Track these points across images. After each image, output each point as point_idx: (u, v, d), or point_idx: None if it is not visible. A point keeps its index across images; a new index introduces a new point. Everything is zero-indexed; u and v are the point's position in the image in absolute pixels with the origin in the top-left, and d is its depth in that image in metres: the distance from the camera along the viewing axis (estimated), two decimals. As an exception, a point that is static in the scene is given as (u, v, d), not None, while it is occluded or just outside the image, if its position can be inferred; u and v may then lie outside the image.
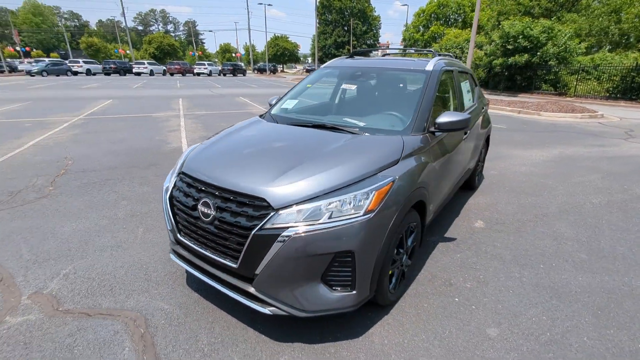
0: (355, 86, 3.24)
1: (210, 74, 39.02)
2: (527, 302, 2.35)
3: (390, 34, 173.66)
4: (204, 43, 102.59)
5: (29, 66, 32.83)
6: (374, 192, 1.84)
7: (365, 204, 1.80)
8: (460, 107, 3.33)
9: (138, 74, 35.89)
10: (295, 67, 79.80)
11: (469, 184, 4.30)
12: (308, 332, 2.05)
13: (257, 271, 1.76)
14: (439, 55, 3.25)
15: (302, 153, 2.14)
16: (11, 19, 76.75)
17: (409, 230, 2.30)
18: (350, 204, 1.79)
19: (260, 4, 42.58)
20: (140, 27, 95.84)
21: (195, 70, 38.68)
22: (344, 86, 3.30)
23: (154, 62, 40.63)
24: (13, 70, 37.83)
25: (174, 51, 56.95)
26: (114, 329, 2.06)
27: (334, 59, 3.66)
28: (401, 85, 3.13)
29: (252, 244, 1.74)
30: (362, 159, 2.04)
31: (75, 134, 7.43)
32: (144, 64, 36.49)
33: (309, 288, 1.79)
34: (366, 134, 2.41)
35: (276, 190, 1.79)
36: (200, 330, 2.06)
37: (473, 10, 31.66)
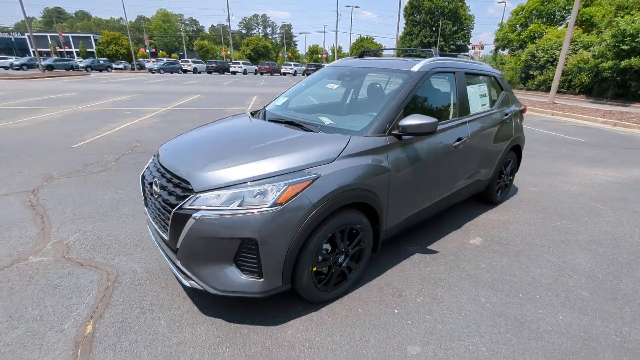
0: (337, 85, 3.22)
1: (295, 74, 41.13)
2: (475, 329, 2.10)
3: (487, 34, 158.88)
4: (296, 45, 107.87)
5: (152, 65, 38.79)
6: (287, 186, 1.88)
7: (275, 197, 1.85)
8: (461, 112, 3.05)
9: (234, 72, 39.74)
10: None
11: (486, 197, 3.89)
12: (232, 313, 2.18)
13: (178, 245, 1.95)
14: (441, 55, 3.03)
15: (242, 145, 2.27)
16: (146, 25, 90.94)
17: (351, 232, 2.25)
18: (261, 195, 1.86)
19: (348, 6, 43.10)
20: (243, 31, 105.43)
21: (282, 70, 41.25)
22: (327, 85, 3.29)
23: (247, 62, 44.43)
24: (141, 67, 45.16)
25: (267, 52, 61.42)
26: (91, 279, 2.47)
27: (341, 59, 3.67)
28: (383, 85, 3.01)
29: (173, 220, 1.94)
30: (294, 154, 2.08)
31: (155, 122, 8.67)
32: (239, 63, 40.33)
33: (221, 268, 1.92)
34: (321, 132, 2.42)
35: (200, 176, 1.96)
36: (150, 292, 2.35)
37: (585, 6, 27.17)
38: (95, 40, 64.69)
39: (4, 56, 40.06)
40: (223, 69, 40.40)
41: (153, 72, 37.26)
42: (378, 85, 3.01)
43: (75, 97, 13.33)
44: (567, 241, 3.20)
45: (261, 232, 1.83)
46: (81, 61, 40.75)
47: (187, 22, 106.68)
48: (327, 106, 3.34)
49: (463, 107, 3.09)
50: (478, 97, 3.38)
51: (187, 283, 2.01)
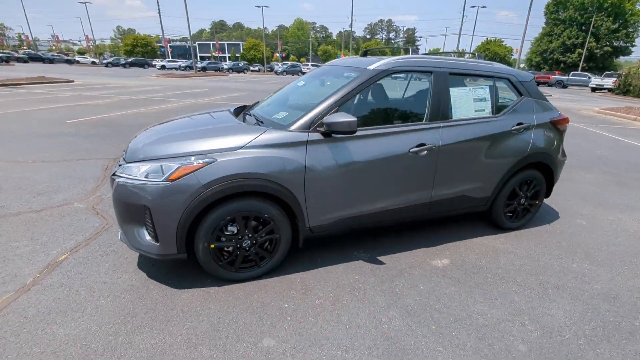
0: (304, 82, 3.20)
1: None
2: (346, 343, 1.94)
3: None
4: (419, 49, 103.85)
5: (277, 67, 43.36)
6: (179, 166, 2.11)
7: (168, 174, 2.10)
8: (434, 116, 2.70)
9: (345, 75, 41.10)
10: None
11: (491, 220, 3.29)
12: (162, 272, 2.53)
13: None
14: (431, 54, 2.76)
15: (183, 131, 2.56)
16: (284, 33, 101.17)
17: (259, 220, 2.33)
18: (160, 171, 2.13)
19: (474, 6, 39.18)
20: (368, 36, 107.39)
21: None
22: (299, 84, 3.28)
23: None
24: (271, 70, 50.81)
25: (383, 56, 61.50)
26: (93, 225, 3.18)
27: (344, 58, 3.63)
28: (338, 84, 2.87)
29: (111, 183, 2.38)
30: (206, 140, 2.28)
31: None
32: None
33: (135, 228, 2.28)
34: (255, 124, 2.55)
35: (133, 151, 2.35)
36: (120, 244, 2.90)
37: None
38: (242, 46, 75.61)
39: (175, 60, 50.51)
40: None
41: (278, 74, 41.62)
42: (338, 84, 2.92)
43: (202, 92, 16.08)
44: (564, 287, 2.50)
45: (153, 202, 2.11)
46: (226, 64, 48.39)
47: (318, 29, 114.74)
48: (301, 102, 3.35)
49: (438, 111, 2.72)
50: (470, 101, 2.90)
51: (119, 237, 2.45)
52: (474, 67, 2.94)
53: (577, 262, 2.85)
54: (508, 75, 3.07)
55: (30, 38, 79.58)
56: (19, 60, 46.26)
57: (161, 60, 48.25)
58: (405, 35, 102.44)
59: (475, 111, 2.91)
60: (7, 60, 42.09)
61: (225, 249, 2.36)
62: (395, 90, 3.37)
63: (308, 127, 2.37)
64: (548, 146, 3.17)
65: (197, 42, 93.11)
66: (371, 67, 2.61)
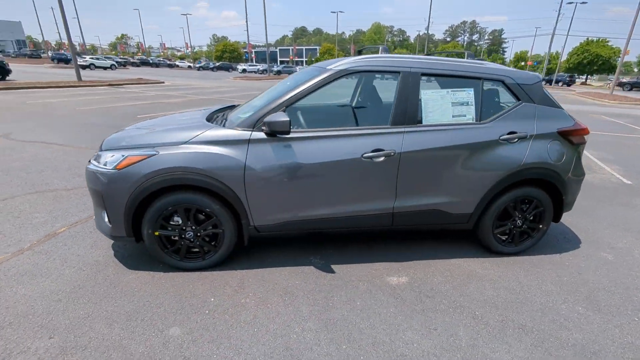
0: (289, 82, 3.13)
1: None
2: (244, 345, 1.89)
3: None
4: (504, 52, 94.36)
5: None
6: (125, 157, 2.28)
7: (117, 162, 2.29)
8: (399, 120, 2.46)
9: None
10: (609, 79, 56.27)
11: (478, 240, 2.87)
12: (135, 250, 2.77)
13: None
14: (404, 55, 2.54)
15: (154, 127, 2.70)
16: (361, 37, 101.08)
17: (200, 214, 2.40)
18: (112, 161, 2.33)
19: (571, 2, 33.69)
20: (448, 39, 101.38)
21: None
22: (285, 81, 3.19)
23: None
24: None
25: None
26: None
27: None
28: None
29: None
30: (159, 135, 2.42)
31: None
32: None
33: (99, 211, 2.53)
34: (220, 122, 2.62)
35: (107, 142, 2.58)
36: (110, 223, 3.24)
37: None
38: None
39: (255, 64, 54.15)
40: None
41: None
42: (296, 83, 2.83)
43: (264, 94, 16.97)
44: (531, 329, 2.06)
45: (103, 188, 2.32)
46: (299, 67, 50.28)
47: (395, 32, 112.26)
48: (265, 101, 3.30)
49: (404, 115, 2.47)
50: (447, 105, 2.56)
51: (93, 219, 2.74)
52: (454, 68, 2.60)
53: (570, 303, 2.33)
54: (502, 77, 2.64)
55: (144, 46, 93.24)
56: (133, 64, 54.35)
57: (243, 65, 52.25)
58: (490, 37, 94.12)
59: (454, 116, 2.57)
60: (124, 64, 49.89)
61: (172, 237, 2.48)
62: (383, 92, 3.16)
63: (252, 126, 2.36)
64: (552, 160, 2.63)
65: (278, 48, 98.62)
66: (330, 67, 2.50)
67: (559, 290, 2.46)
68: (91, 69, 35.57)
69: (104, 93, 14.34)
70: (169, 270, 2.54)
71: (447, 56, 3.05)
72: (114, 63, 39.86)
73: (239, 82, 26.98)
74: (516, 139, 2.59)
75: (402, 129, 2.46)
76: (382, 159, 2.42)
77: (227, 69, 53.12)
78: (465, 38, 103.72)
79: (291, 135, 2.36)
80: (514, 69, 2.76)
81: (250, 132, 2.35)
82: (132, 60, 58.71)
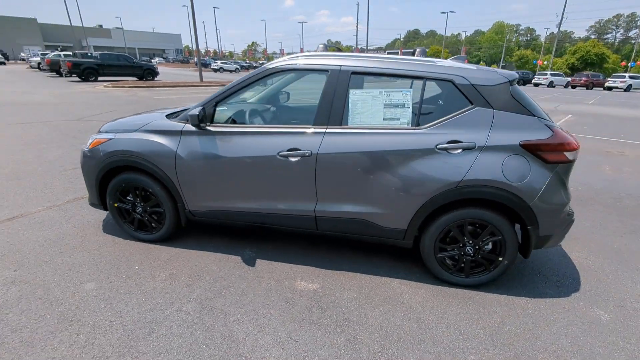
0: None
1: (627, 89, 29.26)
2: (122, 306, 2.12)
3: None
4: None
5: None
6: (93, 139, 2.77)
7: (89, 143, 2.80)
8: (322, 120, 2.32)
9: (536, 84, 33.64)
10: None
11: (424, 262, 2.49)
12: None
13: None
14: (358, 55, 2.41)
15: (132, 118, 3.14)
16: (479, 38, 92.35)
17: (146, 193, 2.75)
18: (89, 141, 2.85)
19: None
20: (593, 36, 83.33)
21: (606, 84, 30.20)
22: None
23: (558, 73, 35.72)
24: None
25: (600, 61, 45.99)
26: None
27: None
28: None
29: None
30: (124, 123, 2.85)
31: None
32: (545, 75, 33.47)
33: (90, 188, 3.09)
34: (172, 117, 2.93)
35: (102, 128, 3.16)
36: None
37: None
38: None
39: None
40: (524, 81, 35.17)
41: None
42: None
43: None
44: (408, 372, 1.72)
45: (82, 164, 2.86)
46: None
47: (522, 31, 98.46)
48: None
49: (327, 115, 2.31)
50: (379, 106, 2.28)
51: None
52: (393, 66, 2.29)
53: (483, 357, 1.84)
54: (451, 77, 2.21)
55: (267, 52, 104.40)
56: (254, 68, 61.66)
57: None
58: (656, 33, 73.48)
59: (385, 119, 2.28)
60: (247, 68, 57.16)
61: (128, 210, 2.89)
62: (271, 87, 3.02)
63: (186, 119, 2.57)
64: (509, 180, 2.09)
65: (387, 52, 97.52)
66: (270, 65, 2.51)
67: (486, 339, 1.97)
68: (220, 72, 41.97)
69: (213, 91, 16.74)
70: (127, 238, 2.96)
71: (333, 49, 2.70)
72: (238, 67, 46.12)
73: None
74: (459, 150, 2.15)
75: (323, 130, 2.32)
76: (297, 158, 2.33)
77: (330, 72, 55.35)
78: (618, 35, 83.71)
79: (216, 129, 2.48)
80: (475, 67, 2.28)
81: (183, 124, 2.57)
82: (254, 64, 66.61)
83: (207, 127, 2.49)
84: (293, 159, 2.34)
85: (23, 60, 47.16)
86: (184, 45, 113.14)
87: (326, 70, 2.37)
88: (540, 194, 2.10)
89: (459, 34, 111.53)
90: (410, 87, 2.30)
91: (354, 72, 2.32)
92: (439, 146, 2.16)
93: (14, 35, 62.73)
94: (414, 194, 2.23)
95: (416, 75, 2.26)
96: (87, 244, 2.83)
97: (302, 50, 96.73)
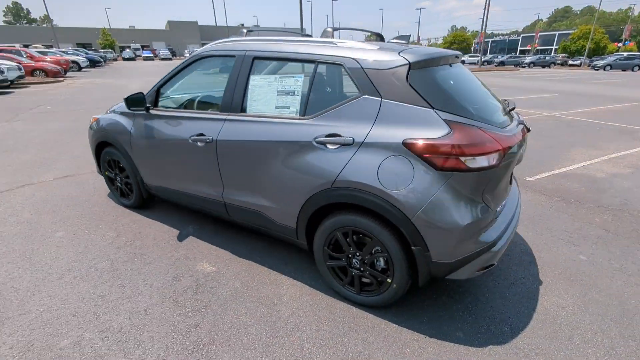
0: None
1: None
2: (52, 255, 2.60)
3: None
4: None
5: (599, 61, 32.52)
6: (93, 117, 3.37)
7: (90, 120, 3.43)
8: (225, 107, 2.28)
9: None
10: None
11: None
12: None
13: None
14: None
15: None
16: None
17: (115, 161, 3.23)
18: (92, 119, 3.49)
19: None
20: None
21: None
22: None
23: None
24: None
25: None
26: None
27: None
28: None
29: None
30: (113, 105, 3.37)
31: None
32: None
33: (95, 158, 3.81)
34: None
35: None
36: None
37: None
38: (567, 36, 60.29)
39: (476, 54, 48.46)
40: None
41: (597, 69, 31.09)
42: None
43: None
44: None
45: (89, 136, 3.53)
46: (529, 58, 41.31)
47: None
48: None
49: (230, 102, 2.26)
50: (272, 94, 2.09)
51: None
52: (289, 49, 2.05)
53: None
54: (342, 60, 1.85)
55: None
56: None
57: (462, 55, 48.41)
58: None
59: (277, 107, 2.10)
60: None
61: (114, 179, 3.43)
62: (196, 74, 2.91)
63: (141, 101, 2.89)
64: (385, 185, 1.67)
65: (521, 36, 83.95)
66: (198, 51, 2.59)
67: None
68: None
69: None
70: (119, 203, 3.54)
71: (373, 37, 2.32)
72: None
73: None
74: (337, 145, 1.83)
75: (225, 117, 2.29)
76: (203, 144, 2.38)
77: (445, 61, 50.90)
78: None
79: (155, 112, 2.71)
80: (377, 46, 1.85)
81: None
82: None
83: (150, 111, 2.75)
84: (200, 144, 2.40)
85: (184, 56, 58.73)
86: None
87: (233, 56, 2.31)
88: (424, 208, 1.64)
89: (630, 7, 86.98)
90: (302, 72, 2.06)
91: (255, 57, 2.21)
92: (317, 139, 1.89)
93: (180, 36, 77.46)
94: (296, 191, 2.02)
95: (308, 59, 2.00)
96: (86, 203, 3.51)
97: (418, 39, 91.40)
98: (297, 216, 2.09)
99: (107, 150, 3.25)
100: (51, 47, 29.94)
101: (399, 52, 1.78)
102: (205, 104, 2.86)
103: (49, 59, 19.63)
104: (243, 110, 2.25)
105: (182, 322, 1.96)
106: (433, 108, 1.67)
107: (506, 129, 1.83)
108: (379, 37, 2.87)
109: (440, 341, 1.83)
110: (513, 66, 38.80)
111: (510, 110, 2.11)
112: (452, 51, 2.13)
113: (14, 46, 21.41)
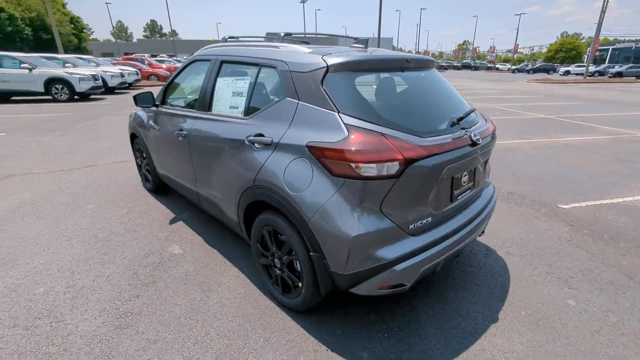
0: None
1: None
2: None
3: None
4: None
5: None
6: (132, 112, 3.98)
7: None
8: (200, 105, 2.50)
9: None
10: None
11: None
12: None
13: None
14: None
15: None
16: None
17: (142, 153, 3.75)
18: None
19: None
20: None
21: None
22: None
23: None
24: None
25: None
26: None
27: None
28: None
29: None
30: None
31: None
32: None
33: None
34: None
35: None
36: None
37: None
38: None
39: (582, 64, 41.43)
40: None
41: None
42: None
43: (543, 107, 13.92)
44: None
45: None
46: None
47: None
48: None
49: (203, 101, 2.47)
50: (229, 94, 2.21)
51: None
52: (244, 53, 2.17)
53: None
54: (276, 62, 1.89)
55: (477, 50, 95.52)
56: (454, 67, 58.15)
57: (567, 66, 42.23)
58: None
59: (230, 107, 2.22)
60: (446, 68, 54.84)
61: (141, 165, 3.98)
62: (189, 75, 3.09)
63: (155, 99, 3.32)
64: (287, 186, 1.66)
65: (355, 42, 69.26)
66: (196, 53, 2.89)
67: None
68: None
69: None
70: (143, 189, 4.09)
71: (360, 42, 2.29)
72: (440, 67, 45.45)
73: (531, 85, 22.80)
74: (262, 145, 1.87)
75: (197, 114, 2.51)
76: (182, 138, 2.64)
77: (546, 70, 45.01)
78: None
79: (160, 109, 3.09)
80: (309, 50, 1.82)
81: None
82: (454, 64, 62.81)
83: (159, 108, 3.15)
84: (180, 138, 2.67)
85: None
86: (399, 49, 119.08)
87: (209, 60, 2.53)
88: (319, 212, 1.58)
89: None
90: (248, 75, 2.15)
91: (223, 61, 2.38)
92: (248, 138, 1.97)
93: None
94: (234, 185, 2.12)
95: (254, 62, 2.09)
96: (122, 184, 4.14)
97: (516, 47, 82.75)
98: (237, 210, 2.19)
99: (136, 140, 3.80)
100: (173, 56, 35.38)
101: (323, 56, 1.75)
102: (191, 103, 3.17)
103: (164, 66, 23.26)
104: (210, 109, 2.44)
105: (128, 292, 2.22)
106: (338, 112, 1.61)
107: (430, 138, 1.64)
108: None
109: (339, 357, 1.73)
110: (635, 77, 32.24)
111: (460, 119, 1.87)
112: (401, 55, 1.99)
113: (144, 55, 25.94)
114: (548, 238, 2.88)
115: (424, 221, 1.70)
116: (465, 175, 1.89)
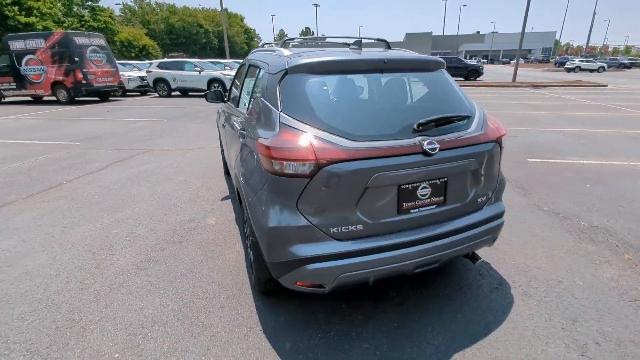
0: None
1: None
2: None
3: None
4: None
5: None
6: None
7: None
8: (236, 102, 2.91)
9: None
10: None
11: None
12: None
13: None
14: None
15: None
16: None
17: None
18: None
19: None
20: None
21: None
22: None
23: None
24: None
25: None
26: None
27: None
28: None
29: None
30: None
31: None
32: None
33: None
34: None
35: None
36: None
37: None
38: None
39: None
40: None
41: None
42: None
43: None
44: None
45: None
46: None
47: None
48: None
49: (235, 98, 2.90)
50: (247, 93, 2.51)
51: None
52: (257, 57, 2.46)
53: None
54: (264, 65, 2.11)
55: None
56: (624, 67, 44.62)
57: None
58: None
59: (245, 104, 2.52)
60: (628, 66, 42.62)
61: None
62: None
63: (223, 97, 3.95)
64: (242, 178, 1.85)
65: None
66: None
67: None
68: (575, 72, 34.58)
69: (505, 93, 15.14)
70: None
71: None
72: (603, 65, 36.26)
73: None
74: (243, 138, 2.12)
75: (232, 110, 2.93)
76: (228, 127, 3.12)
77: None
78: None
79: (224, 104, 3.68)
80: (290, 53, 1.92)
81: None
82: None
83: (225, 102, 3.74)
84: (228, 129, 3.16)
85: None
86: (561, 44, 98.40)
87: (244, 63, 2.89)
88: (251, 202, 1.74)
89: None
90: (254, 76, 2.37)
91: (250, 65, 2.70)
92: (239, 131, 2.24)
93: (415, 46, 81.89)
94: (234, 172, 2.45)
95: (257, 65, 2.33)
96: (215, 164, 5.06)
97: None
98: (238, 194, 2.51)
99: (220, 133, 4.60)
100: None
101: (290, 58, 1.85)
102: (235, 99, 3.60)
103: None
104: (238, 105, 2.83)
105: (160, 245, 2.84)
106: (280, 111, 1.70)
107: (362, 142, 1.55)
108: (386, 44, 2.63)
109: (265, 341, 1.83)
110: None
111: (422, 125, 1.62)
112: (379, 56, 1.87)
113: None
114: (603, 290, 2.13)
115: (352, 227, 1.61)
116: (425, 188, 1.66)
